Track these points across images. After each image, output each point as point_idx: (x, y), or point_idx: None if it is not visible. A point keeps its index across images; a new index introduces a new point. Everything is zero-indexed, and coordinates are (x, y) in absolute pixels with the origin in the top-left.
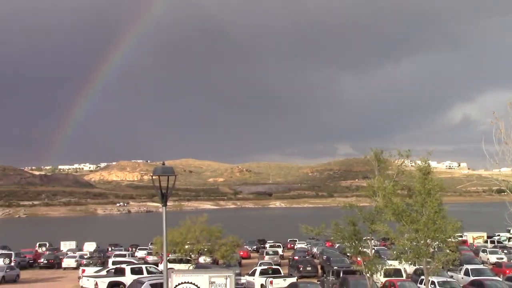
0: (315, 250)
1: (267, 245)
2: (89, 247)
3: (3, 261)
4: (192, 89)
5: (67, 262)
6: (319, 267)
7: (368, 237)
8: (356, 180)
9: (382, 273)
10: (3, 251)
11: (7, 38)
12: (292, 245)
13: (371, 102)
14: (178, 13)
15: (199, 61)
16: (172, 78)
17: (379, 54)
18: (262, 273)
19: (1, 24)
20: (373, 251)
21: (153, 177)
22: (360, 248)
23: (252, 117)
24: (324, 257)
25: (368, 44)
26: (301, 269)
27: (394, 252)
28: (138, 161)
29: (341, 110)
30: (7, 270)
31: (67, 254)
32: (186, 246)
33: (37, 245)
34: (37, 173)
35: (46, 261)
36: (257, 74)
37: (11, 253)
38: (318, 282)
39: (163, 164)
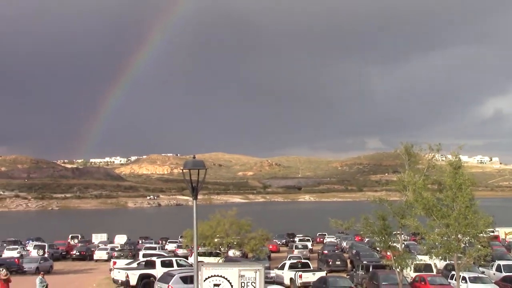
0: (344, 244)
1: (296, 239)
2: (120, 239)
3: (37, 252)
4: (222, 83)
5: (99, 254)
6: (348, 261)
7: (398, 232)
8: (386, 174)
9: (412, 268)
10: (37, 243)
11: (39, 36)
12: (322, 239)
13: (401, 96)
14: (209, 7)
15: (229, 56)
16: (202, 72)
17: (409, 47)
18: (291, 267)
19: (30, 23)
20: (403, 245)
21: (184, 170)
22: (390, 243)
23: (282, 111)
24: (354, 251)
25: (398, 37)
26: (330, 263)
27: (425, 247)
28: (168, 154)
29: (371, 104)
30: (41, 261)
31: (98, 246)
32: (216, 240)
33: (70, 237)
34: (69, 166)
35: (78, 253)
36: (287, 68)
37: (45, 245)
38: (348, 277)
39: (194, 157)
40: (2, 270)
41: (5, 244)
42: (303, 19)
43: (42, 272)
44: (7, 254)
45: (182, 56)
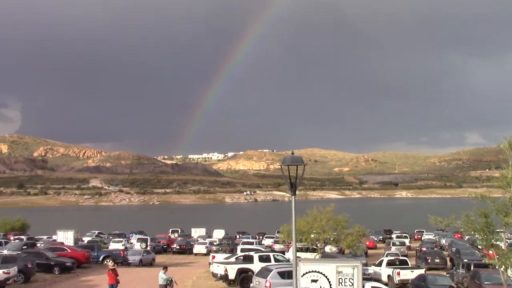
0: (443, 241)
1: (394, 236)
2: (218, 234)
3: (140, 245)
4: (318, 78)
5: (198, 248)
6: (448, 259)
7: (502, 230)
8: (487, 170)
9: None
10: (140, 236)
11: (144, 36)
12: (419, 236)
13: (503, 89)
14: (306, 3)
15: (326, 51)
16: (299, 68)
17: None
18: (389, 263)
19: (139, 24)
20: (506, 244)
21: (282, 166)
22: (492, 241)
23: (378, 106)
24: (453, 249)
25: (501, 29)
26: (429, 260)
27: None
28: (265, 150)
29: (471, 98)
30: (144, 254)
31: (197, 240)
32: (312, 235)
33: (170, 231)
34: (169, 162)
35: (178, 247)
36: (384, 63)
37: (147, 238)
38: (448, 275)
39: (292, 153)
40: (109, 261)
41: (111, 237)
42: (402, 12)
43: (165, 267)
44: (113, 246)
45: (279, 53)
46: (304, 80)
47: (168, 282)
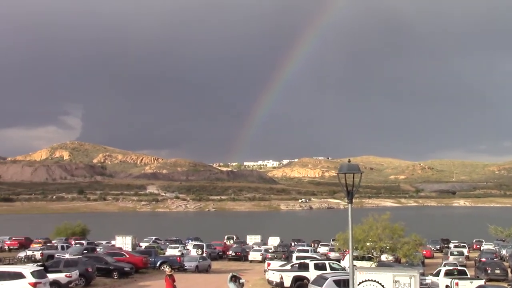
0: (504, 252)
1: (451, 245)
2: (273, 241)
3: (196, 251)
4: (374, 86)
5: (253, 255)
6: (509, 270)
7: None
8: None
9: None
10: (196, 242)
11: (200, 46)
12: (478, 246)
13: None
14: (360, 10)
15: (381, 58)
16: (354, 76)
17: None
18: (447, 274)
19: (199, 33)
20: None
21: (339, 174)
22: None
23: (435, 113)
24: None
25: None
26: (489, 271)
27: None
28: (320, 158)
29: None
30: (200, 260)
31: (253, 247)
32: (368, 244)
33: (226, 238)
34: (224, 169)
35: (233, 254)
36: (441, 69)
37: (203, 245)
38: (508, 287)
39: (349, 161)
40: (167, 267)
41: (167, 243)
42: (453, 18)
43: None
44: (169, 252)
45: (334, 60)
46: (360, 87)
47: (231, 278)
